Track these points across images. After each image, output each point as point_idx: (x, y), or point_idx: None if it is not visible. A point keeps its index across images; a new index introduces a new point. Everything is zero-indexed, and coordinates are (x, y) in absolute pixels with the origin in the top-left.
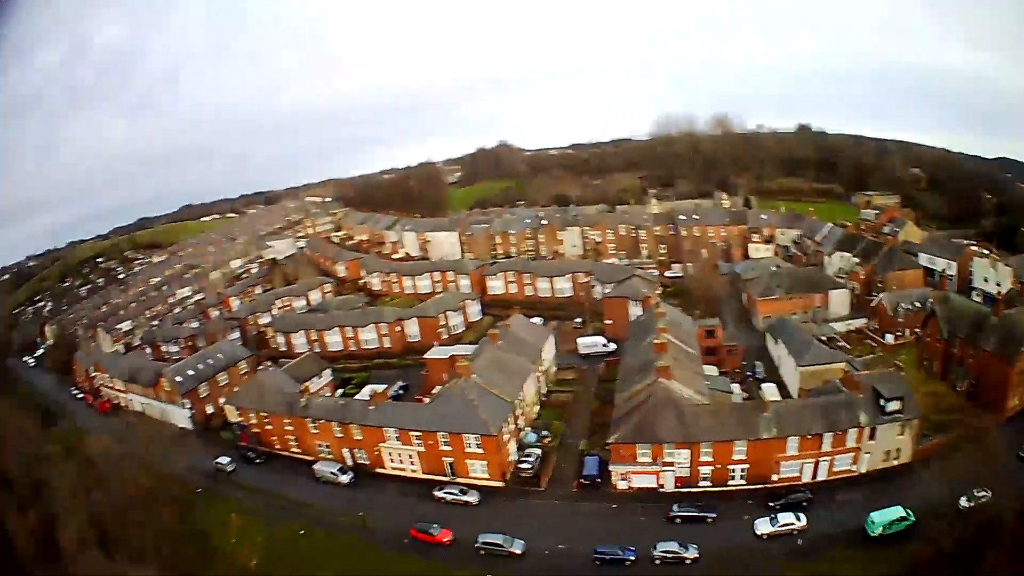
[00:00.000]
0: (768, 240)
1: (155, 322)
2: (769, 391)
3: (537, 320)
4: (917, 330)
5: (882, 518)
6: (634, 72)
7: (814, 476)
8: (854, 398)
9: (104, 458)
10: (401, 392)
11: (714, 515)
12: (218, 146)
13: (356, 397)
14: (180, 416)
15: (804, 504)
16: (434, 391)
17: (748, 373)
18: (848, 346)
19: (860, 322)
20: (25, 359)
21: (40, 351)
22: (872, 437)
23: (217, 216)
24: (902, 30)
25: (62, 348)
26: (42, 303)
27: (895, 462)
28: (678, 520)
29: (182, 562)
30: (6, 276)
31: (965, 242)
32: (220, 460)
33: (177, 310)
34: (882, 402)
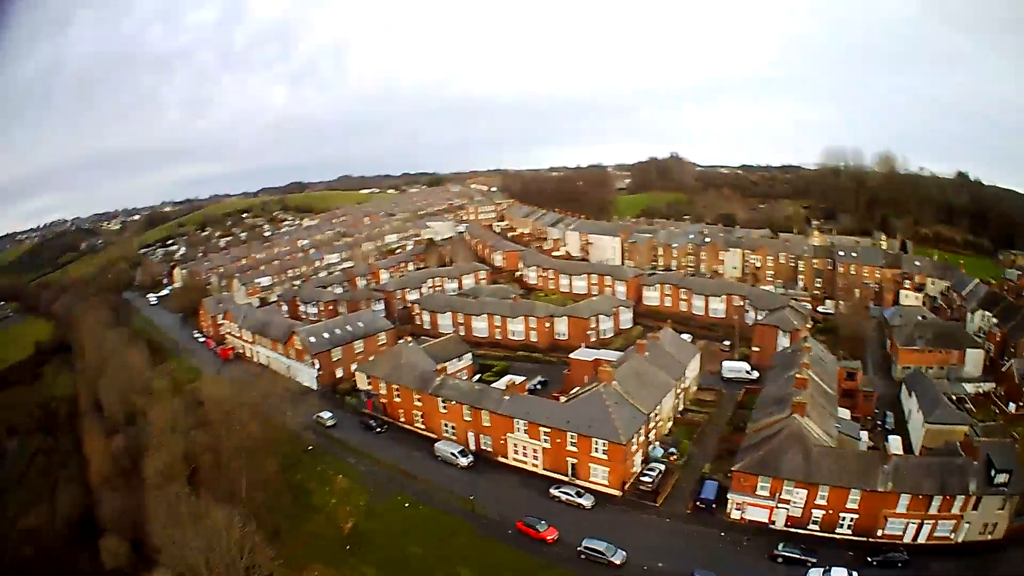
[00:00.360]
0: (918, 288)
1: (297, 282)
2: (894, 444)
3: (686, 337)
4: None
5: None
6: (808, 97)
7: (915, 538)
8: (968, 464)
9: (215, 402)
10: (539, 387)
11: (815, 560)
12: (384, 123)
13: (493, 385)
14: (307, 375)
15: (899, 565)
16: (572, 391)
17: (878, 422)
18: (973, 409)
19: (989, 386)
20: (148, 297)
21: (165, 291)
22: (976, 507)
23: (376, 190)
24: None
25: (190, 292)
26: (175, 247)
27: (989, 536)
28: (780, 560)
29: (274, 512)
30: (136, 217)
31: None
32: (322, 415)
33: (322, 274)
34: (992, 472)
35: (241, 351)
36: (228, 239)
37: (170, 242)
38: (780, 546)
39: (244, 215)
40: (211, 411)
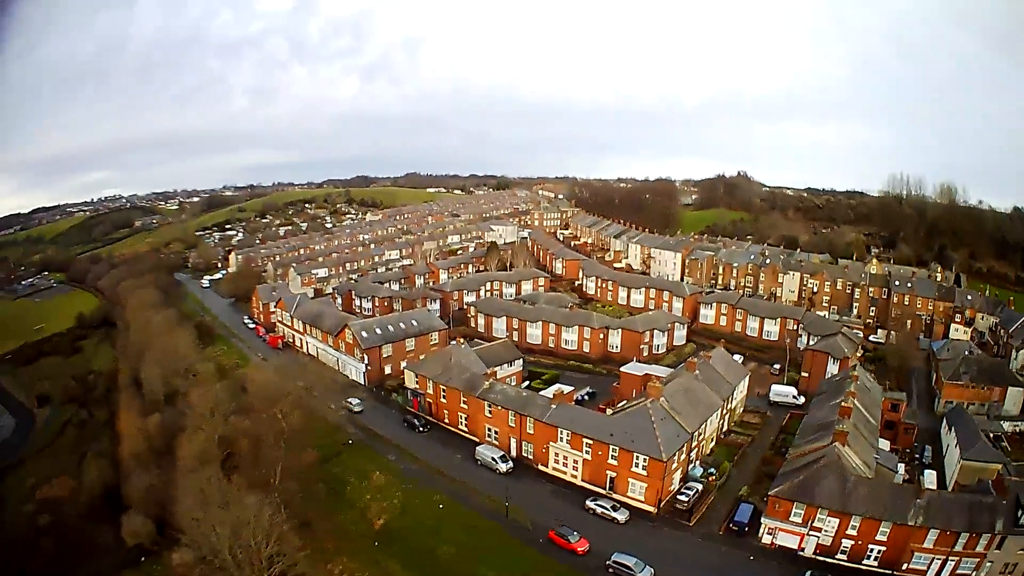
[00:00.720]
0: (968, 322)
1: (354, 276)
2: (928, 478)
3: (737, 357)
4: None
5: None
6: (876, 121)
7: (938, 573)
8: (997, 502)
9: (258, 389)
10: (586, 398)
11: None
12: (453, 122)
13: (541, 393)
14: (355, 369)
15: None
16: (620, 404)
17: (916, 455)
18: (1009, 448)
19: None
20: (202, 280)
21: (219, 275)
22: (999, 546)
23: (443, 189)
24: None
25: (245, 277)
26: (232, 232)
27: None
28: None
29: (307, 503)
30: (195, 199)
31: None
32: (350, 400)
33: (380, 270)
34: (1019, 512)
35: (291, 340)
36: (288, 228)
37: (228, 226)
38: (808, 574)
39: (307, 205)
40: (254, 398)
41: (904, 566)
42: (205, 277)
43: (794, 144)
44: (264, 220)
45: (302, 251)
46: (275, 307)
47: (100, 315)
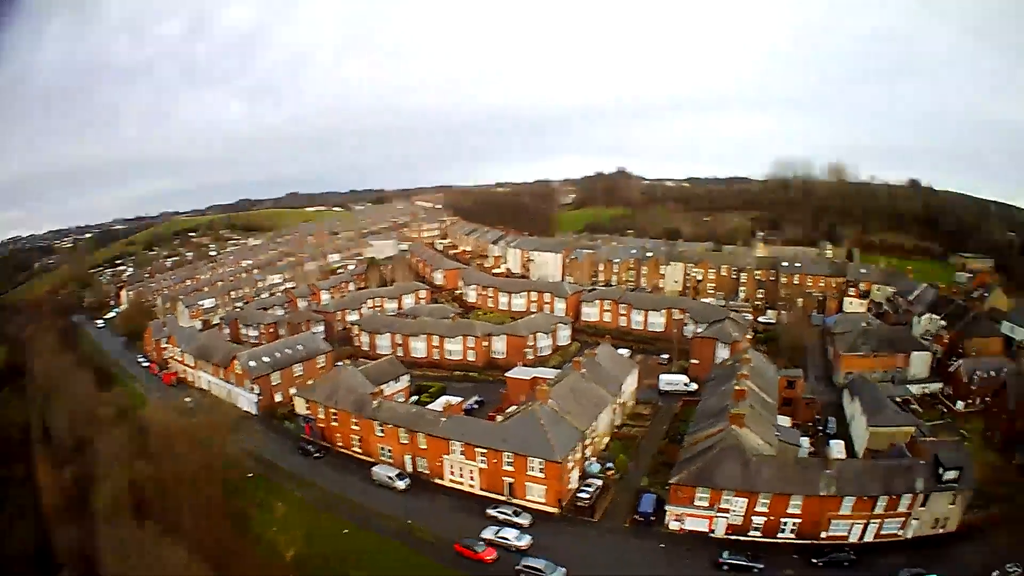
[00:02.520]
0: (864, 295)
1: (239, 304)
2: (836, 448)
3: (624, 351)
4: (987, 399)
5: None
6: (753, 111)
7: (861, 537)
8: (915, 463)
9: (158, 429)
10: (476, 407)
11: (761, 566)
12: (335, 140)
13: (429, 406)
14: (246, 400)
15: (846, 564)
16: (509, 410)
17: (820, 428)
18: (920, 410)
19: (936, 386)
20: (97, 320)
21: (112, 314)
22: (924, 504)
23: (322, 208)
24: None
25: (136, 314)
26: (123, 267)
27: (941, 530)
28: (726, 567)
29: (219, 542)
30: (88, 235)
31: None
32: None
33: (264, 295)
34: (940, 470)
35: (184, 376)
36: (175, 259)
37: (118, 262)
38: (725, 554)
39: (191, 234)
40: (155, 439)
41: (823, 534)
42: (98, 318)
43: (676, 137)
44: (152, 252)
45: (188, 282)
46: (166, 343)
47: (7, 365)
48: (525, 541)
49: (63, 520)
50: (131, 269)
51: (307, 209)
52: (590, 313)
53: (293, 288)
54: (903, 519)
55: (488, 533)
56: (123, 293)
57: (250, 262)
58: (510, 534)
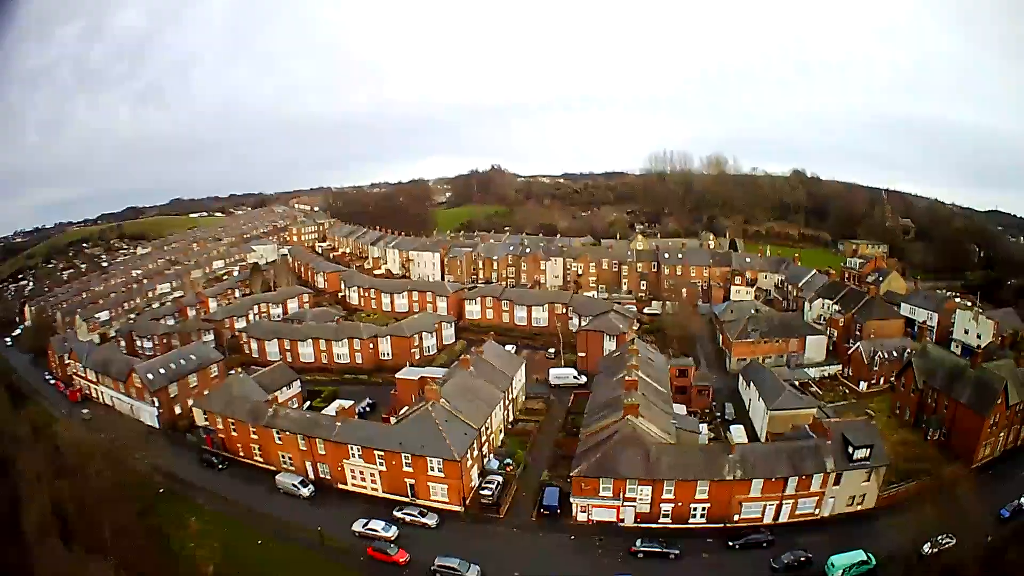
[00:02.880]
0: (751, 283)
1: (132, 315)
2: (737, 433)
3: (510, 348)
4: (892, 379)
5: (842, 561)
6: (635, 107)
7: (776, 518)
8: (822, 444)
9: (72, 447)
10: (368, 409)
11: (677, 552)
12: (219, 144)
13: (323, 411)
14: (148, 414)
15: (764, 544)
16: (401, 411)
17: (717, 414)
18: (821, 392)
19: (835, 368)
20: (5, 338)
21: (19, 331)
22: (837, 483)
23: (205, 214)
24: (900, 81)
25: (40, 331)
26: (25, 282)
27: (859, 507)
28: (640, 555)
29: (141, 560)
30: None
31: (948, 294)
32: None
33: (155, 305)
34: (850, 449)
35: (88, 392)
36: (70, 271)
37: (20, 276)
38: (638, 542)
39: (85, 244)
40: (69, 457)
41: (736, 517)
42: (7, 335)
43: (552, 133)
44: (50, 265)
45: (84, 295)
46: (68, 359)
47: None
48: (392, 531)
49: (1, 542)
50: (32, 284)
51: (191, 215)
52: (473, 311)
53: (182, 297)
54: (818, 498)
55: (357, 526)
56: (27, 309)
57: (139, 272)
58: (378, 525)
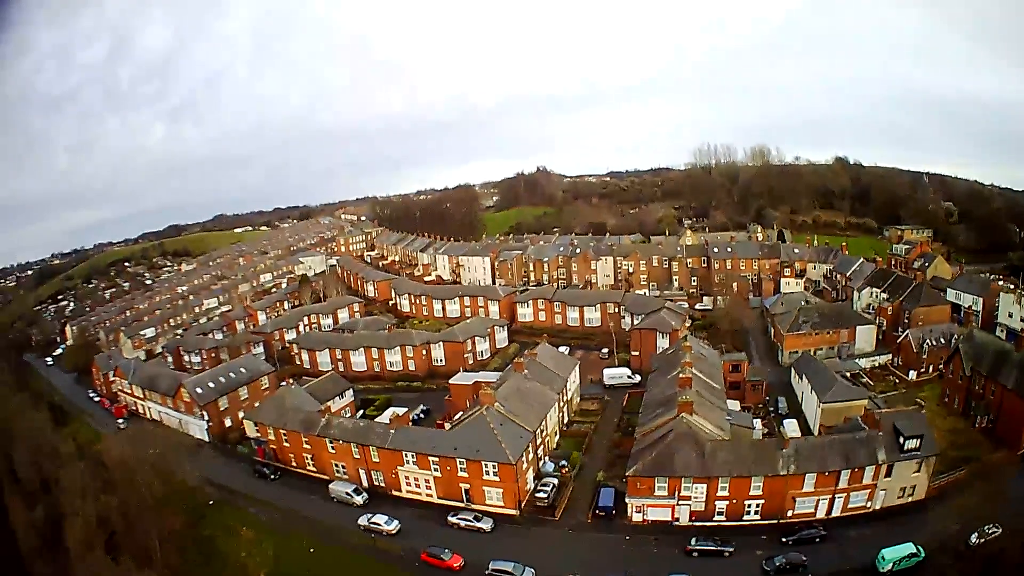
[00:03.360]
0: (800, 274)
1: (179, 331)
2: (790, 427)
3: (564, 349)
4: (940, 367)
5: (893, 555)
6: (674, 96)
7: (829, 512)
8: (873, 435)
9: (117, 462)
10: (422, 416)
11: (731, 550)
12: (256, 157)
13: (377, 419)
14: (197, 427)
15: (817, 540)
16: (456, 417)
17: (771, 408)
18: (871, 382)
19: (885, 358)
20: (45, 358)
21: (59, 350)
22: (889, 474)
23: (250, 228)
24: (937, 58)
25: (83, 350)
26: (65, 302)
27: (910, 499)
28: (695, 554)
29: (189, 570)
30: (30, 272)
31: (991, 277)
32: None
33: (202, 320)
34: (901, 439)
35: (134, 408)
36: (112, 290)
37: (60, 297)
38: (693, 541)
39: (127, 263)
40: (116, 472)
41: (789, 512)
42: (46, 356)
43: (594, 130)
44: (90, 285)
45: (128, 313)
46: (114, 376)
47: None
48: (394, 525)
49: (40, 560)
50: (72, 304)
51: (235, 230)
52: (525, 313)
53: (229, 311)
54: (869, 491)
55: (363, 520)
56: (68, 329)
57: (185, 288)
58: (380, 519)
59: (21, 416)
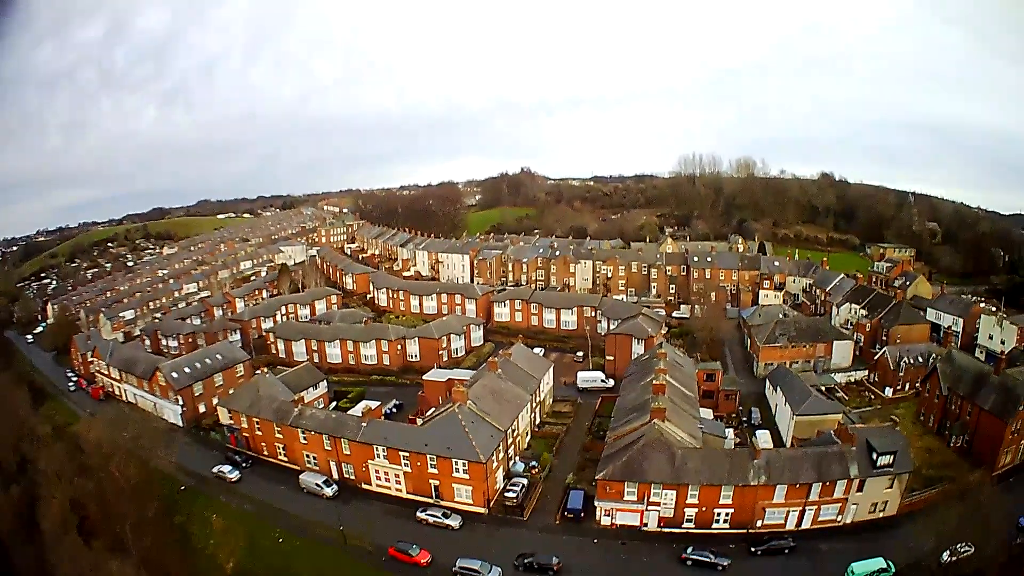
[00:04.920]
0: (779, 287)
1: (158, 315)
2: (763, 438)
3: (538, 350)
4: (917, 385)
5: (862, 569)
6: (663, 106)
7: (799, 524)
8: (846, 450)
9: (93, 445)
10: (395, 411)
11: (726, 563)
12: (244, 145)
13: (349, 412)
14: (171, 412)
15: (786, 551)
16: (428, 413)
17: (744, 419)
18: (847, 397)
19: (861, 374)
20: (26, 336)
21: (40, 328)
22: (860, 489)
23: (233, 215)
24: (928, 85)
25: (63, 329)
26: (48, 280)
27: (881, 514)
28: (689, 563)
29: (162, 557)
30: (15, 248)
31: (973, 299)
32: (223, 468)
33: (181, 305)
34: (874, 455)
35: (110, 389)
36: (95, 270)
37: (43, 275)
38: (688, 550)
39: (110, 244)
40: (91, 456)
41: (759, 523)
42: (27, 333)
43: (579, 134)
44: (73, 264)
45: (108, 294)
46: (92, 356)
47: None
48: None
49: (17, 541)
50: (55, 282)
51: (218, 216)
52: (502, 313)
53: (208, 297)
54: (840, 504)
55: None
56: (49, 307)
57: (166, 272)
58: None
59: (2, 396)
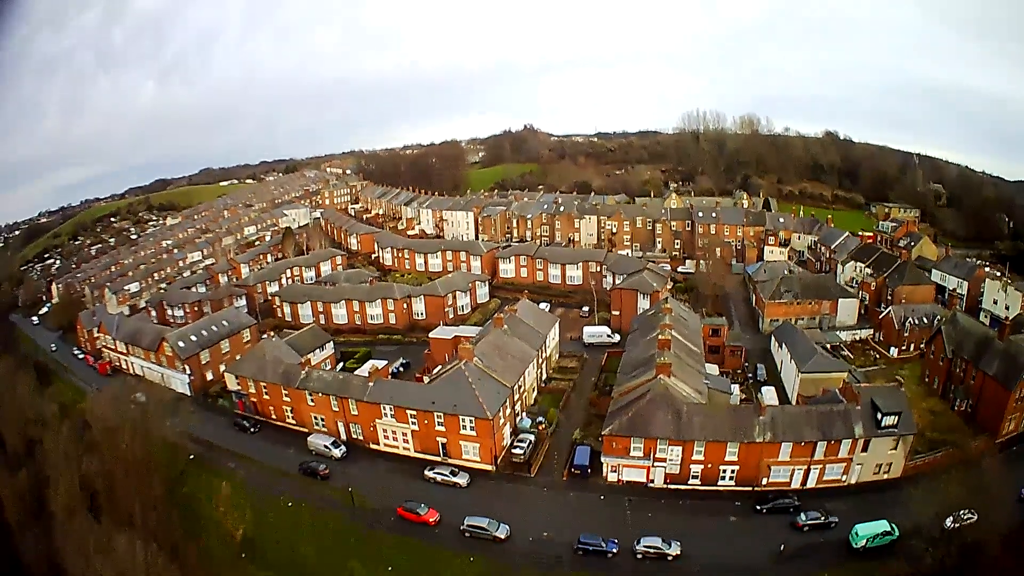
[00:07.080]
0: (784, 243)
1: (163, 285)
2: (768, 395)
3: (544, 306)
4: (922, 346)
5: (867, 531)
6: (667, 64)
7: (804, 483)
8: (851, 409)
9: (99, 422)
10: (401, 369)
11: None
12: (244, 114)
13: (356, 372)
14: (179, 382)
15: (791, 510)
16: (435, 371)
17: (749, 375)
18: (851, 356)
19: (867, 333)
20: (31, 318)
21: (45, 309)
22: (865, 449)
23: (236, 181)
24: (933, 51)
25: (68, 307)
26: (51, 260)
27: (885, 476)
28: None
29: (170, 530)
30: (17, 232)
31: (978, 262)
32: (326, 443)
33: (187, 274)
34: (879, 415)
35: (117, 364)
36: (98, 246)
37: (46, 256)
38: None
39: (112, 219)
40: (97, 433)
41: (764, 481)
42: (32, 315)
43: (582, 91)
44: (77, 242)
45: (113, 268)
46: (98, 332)
47: None
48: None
49: (25, 527)
50: (59, 262)
51: (221, 184)
52: (507, 269)
53: (213, 264)
54: (845, 464)
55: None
56: (53, 287)
57: (170, 242)
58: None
59: (7, 379)
